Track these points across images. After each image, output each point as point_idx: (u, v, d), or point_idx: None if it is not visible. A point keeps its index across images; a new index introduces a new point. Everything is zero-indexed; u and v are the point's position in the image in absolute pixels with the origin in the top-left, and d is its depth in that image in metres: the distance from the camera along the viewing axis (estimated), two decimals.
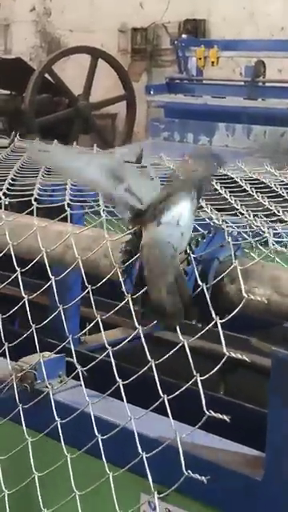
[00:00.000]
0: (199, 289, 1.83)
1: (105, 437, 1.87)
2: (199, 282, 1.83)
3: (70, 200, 2.54)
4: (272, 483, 1.74)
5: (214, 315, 1.75)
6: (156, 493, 1.75)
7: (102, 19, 12.73)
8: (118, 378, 1.86)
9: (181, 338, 1.76)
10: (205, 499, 1.85)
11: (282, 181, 3.18)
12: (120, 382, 1.86)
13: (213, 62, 8.09)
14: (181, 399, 1.76)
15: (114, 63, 9.98)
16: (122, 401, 1.90)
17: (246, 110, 7.42)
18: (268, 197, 2.70)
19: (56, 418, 2.00)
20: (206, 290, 1.81)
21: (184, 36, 9.78)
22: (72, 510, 1.90)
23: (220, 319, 1.74)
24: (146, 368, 1.82)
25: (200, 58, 8.09)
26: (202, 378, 1.68)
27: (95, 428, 1.89)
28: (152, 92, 8.18)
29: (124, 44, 12.93)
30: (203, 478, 1.62)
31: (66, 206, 2.43)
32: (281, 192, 2.85)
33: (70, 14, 12.93)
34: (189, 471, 1.65)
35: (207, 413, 1.63)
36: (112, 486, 1.80)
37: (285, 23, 11.06)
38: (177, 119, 7.71)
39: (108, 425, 1.94)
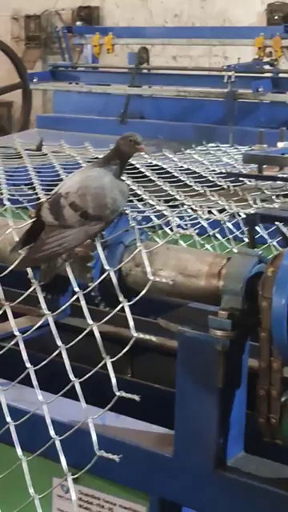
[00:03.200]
0: (106, 273, 1.86)
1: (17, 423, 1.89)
2: (106, 267, 1.87)
3: None
4: (182, 459, 1.79)
5: (121, 299, 1.79)
6: (69, 475, 1.77)
7: None
8: (28, 364, 1.87)
9: (90, 321, 1.79)
10: (117, 479, 1.88)
11: (182, 166, 3.25)
12: (31, 368, 1.87)
13: (108, 50, 8.09)
14: (92, 384, 1.79)
15: (7, 51, 9.85)
16: (32, 388, 1.92)
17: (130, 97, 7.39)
18: (169, 182, 2.76)
19: None
20: (112, 274, 1.84)
21: (78, 23, 9.75)
22: None
23: (127, 302, 1.78)
24: (55, 353, 1.85)
25: (95, 46, 8.08)
26: (112, 359, 1.71)
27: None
28: (35, 80, 8.08)
29: (17, 31, 12.80)
30: (115, 456, 1.65)
31: None
32: (181, 177, 2.91)
33: None
34: (101, 451, 1.68)
35: (117, 394, 1.66)
36: (26, 470, 1.82)
37: (178, 10, 11.18)
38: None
39: (19, 411, 1.95)
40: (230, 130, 5.99)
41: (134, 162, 3.19)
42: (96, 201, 1.86)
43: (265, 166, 3.43)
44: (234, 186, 3.09)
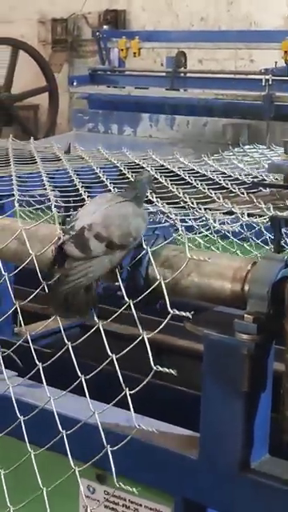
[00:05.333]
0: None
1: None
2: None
3: None
4: (207, 461, 1.81)
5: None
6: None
7: (21, 10, 12.64)
8: (37, 362, 1.90)
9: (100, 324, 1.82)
10: (143, 480, 1.90)
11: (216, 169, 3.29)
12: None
13: (135, 53, 8.15)
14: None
15: (34, 54, 9.95)
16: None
17: (168, 100, 7.50)
18: (207, 185, 2.79)
19: None
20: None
21: (105, 27, 9.79)
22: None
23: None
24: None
25: (122, 49, 8.14)
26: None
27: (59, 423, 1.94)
28: (75, 83, 8.18)
29: (44, 35, 12.87)
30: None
31: None
32: (218, 180, 2.94)
33: None
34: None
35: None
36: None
37: (204, 13, 11.20)
38: (101, 110, 7.74)
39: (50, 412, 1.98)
40: (267, 131, 6.04)
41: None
42: (121, 230, 1.89)
43: None
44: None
